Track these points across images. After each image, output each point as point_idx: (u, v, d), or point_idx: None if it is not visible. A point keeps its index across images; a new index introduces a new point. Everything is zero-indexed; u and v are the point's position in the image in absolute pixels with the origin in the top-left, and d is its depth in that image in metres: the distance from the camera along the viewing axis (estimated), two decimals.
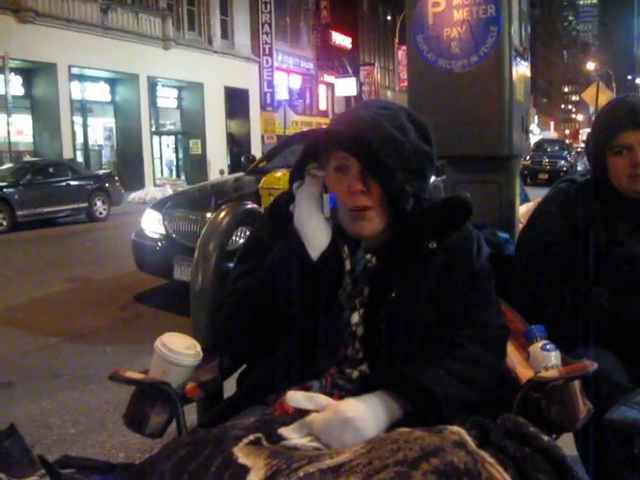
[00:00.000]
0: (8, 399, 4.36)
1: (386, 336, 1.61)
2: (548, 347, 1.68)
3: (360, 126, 1.60)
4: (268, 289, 1.63)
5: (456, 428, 1.38)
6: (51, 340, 5.82)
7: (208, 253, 2.05)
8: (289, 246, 1.62)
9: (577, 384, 1.63)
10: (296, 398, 1.54)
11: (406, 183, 1.60)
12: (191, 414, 1.88)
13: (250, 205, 2.14)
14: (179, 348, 1.69)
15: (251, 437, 1.38)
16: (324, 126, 1.74)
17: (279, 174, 4.01)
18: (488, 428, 1.44)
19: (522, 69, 2.80)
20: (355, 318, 1.66)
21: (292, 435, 1.43)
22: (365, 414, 1.45)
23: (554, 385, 1.60)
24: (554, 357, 1.67)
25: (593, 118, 2.46)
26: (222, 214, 2.10)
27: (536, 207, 2.39)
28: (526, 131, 2.84)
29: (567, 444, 1.86)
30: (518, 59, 2.70)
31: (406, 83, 2.99)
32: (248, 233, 1.87)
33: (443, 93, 2.66)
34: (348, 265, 1.68)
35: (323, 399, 1.52)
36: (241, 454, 1.30)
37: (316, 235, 1.63)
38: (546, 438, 1.37)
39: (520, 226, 2.77)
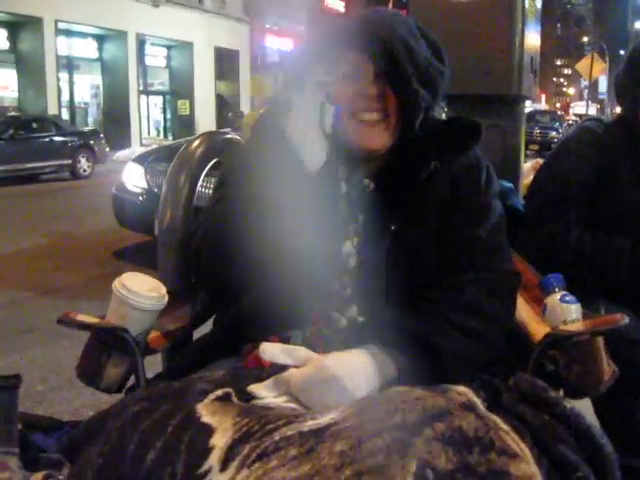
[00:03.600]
0: None
1: (386, 277, 1.40)
2: (568, 298, 1.46)
3: (374, 26, 1.39)
4: (254, 206, 1.39)
5: (462, 388, 1.18)
6: (23, 295, 5.62)
7: (178, 186, 1.80)
8: (281, 159, 1.38)
9: (601, 341, 1.41)
10: (271, 350, 1.32)
11: (419, 94, 1.40)
12: (157, 369, 1.66)
13: (229, 134, 1.90)
14: (140, 289, 1.47)
15: (219, 392, 1.18)
16: None
17: (264, 110, 3.77)
18: (498, 389, 1.24)
19: (534, 5, 2.56)
20: (348, 247, 1.44)
21: (264, 394, 1.21)
22: (354, 371, 1.24)
23: (577, 341, 1.39)
24: (575, 310, 1.46)
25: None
26: (196, 143, 1.85)
27: (557, 145, 2.18)
28: (535, 73, 2.62)
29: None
30: None
31: None
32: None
33: (447, 25, 2.41)
34: (344, 187, 1.47)
35: (303, 352, 1.31)
36: (205, 411, 1.08)
37: (313, 149, 1.40)
38: (569, 405, 1.16)
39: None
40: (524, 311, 1.60)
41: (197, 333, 1.72)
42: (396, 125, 1.44)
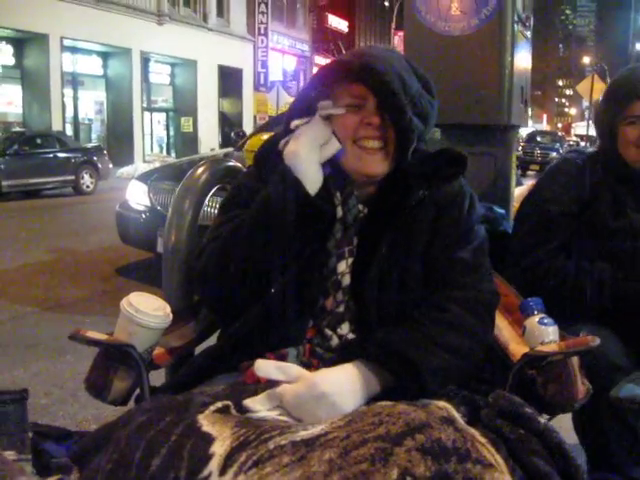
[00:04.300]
0: None
1: (377, 295, 1.51)
2: (546, 321, 1.56)
3: (372, 60, 1.51)
4: (257, 227, 1.50)
5: (443, 403, 1.27)
6: (27, 310, 5.67)
7: (183, 210, 1.90)
8: (282, 182, 1.49)
9: (576, 361, 1.51)
10: (265, 367, 1.40)
11: (413, 122, 1.51)
12: (160, 382, 1.75)
13: (232, 162, 2.00)
14: (146, 309, 1.57)
15: (219, 404, 1.27)
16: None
17: (265, 136, 3.87)
18: (478, 405, 1.33)
19: (524, 37, 2.66)
20: (342, 266, 1.55)
21: (258, 407, 1.31)
22: (342, 388, 1.33)
23: (552, 361, 1.48)
24: (552, 332, 1.55)
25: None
26: (200, 170, 1.95)
27: (541, 176, 2.28)
28: (525, 102, 2.71)
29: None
30: (520, 26, 2.57)
31: None
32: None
33: (440, 57, 2.52)
34: (340, 212, 1.58)
35: (295, 370, 1.40)
36: (206, 422, 1.17)
37: (312, 172, 1.51)
38: (543, 420, 1.25)
39: (515, 205, 2.65)
40: (506, 332, 1.70)
41: (198, 348, 1.81)
42: (393, 154, 1.54)
